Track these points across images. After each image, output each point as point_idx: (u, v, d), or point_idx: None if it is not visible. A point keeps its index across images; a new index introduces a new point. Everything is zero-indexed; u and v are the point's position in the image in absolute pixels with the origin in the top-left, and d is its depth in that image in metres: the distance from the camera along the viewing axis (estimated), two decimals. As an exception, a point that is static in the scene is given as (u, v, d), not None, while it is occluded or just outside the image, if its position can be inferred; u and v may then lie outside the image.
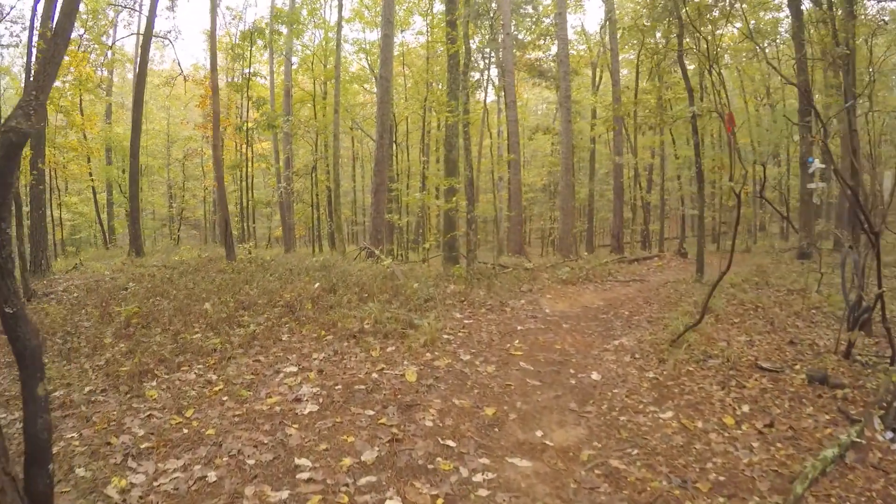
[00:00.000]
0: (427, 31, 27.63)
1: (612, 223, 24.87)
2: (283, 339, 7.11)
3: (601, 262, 15.66)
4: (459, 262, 12.89)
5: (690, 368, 6.11)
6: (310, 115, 26.66)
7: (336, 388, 5.40)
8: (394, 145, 26.59)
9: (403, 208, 26.82)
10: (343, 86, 24.92)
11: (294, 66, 26.17)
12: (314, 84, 27.03)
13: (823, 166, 4.94)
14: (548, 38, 27.33)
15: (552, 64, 27.28)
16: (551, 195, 34.61)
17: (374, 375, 5.70)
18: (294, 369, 5.97)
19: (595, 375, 6.06)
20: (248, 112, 24.80)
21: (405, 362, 6.14)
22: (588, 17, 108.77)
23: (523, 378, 5.90)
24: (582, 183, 30.93)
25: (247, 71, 24.82)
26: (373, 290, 9.36)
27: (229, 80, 29.81)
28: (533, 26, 27.77)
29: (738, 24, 16.23)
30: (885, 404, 4.69)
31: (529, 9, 27.31)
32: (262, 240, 35.26)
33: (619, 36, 22.94)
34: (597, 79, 30.11)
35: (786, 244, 23.38)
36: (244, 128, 24.73)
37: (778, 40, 24.71)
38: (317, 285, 9.37)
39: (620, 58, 25.64)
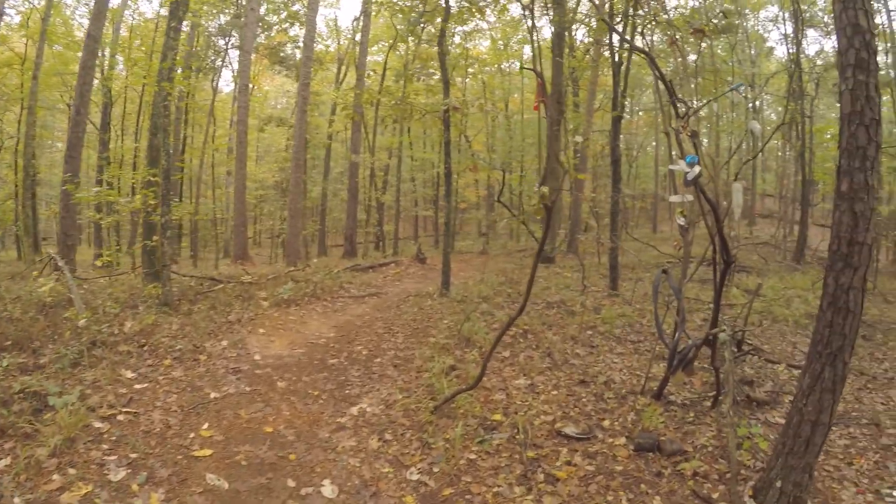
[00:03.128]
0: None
1: (346, 224, 22.83)
2: None
3: (332, 271, 13.32)
4: (162, 276, 9.49)
5: (472, 456, 4.10)
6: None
7: None
8: (109, 127, 21.10)
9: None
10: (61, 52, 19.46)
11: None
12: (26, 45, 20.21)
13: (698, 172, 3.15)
14: (297, 24, 24.31)
15: (297, 51, 24.38)
16: (283, 193, 31.48)
17: None
18: None
19: (328, 489, 3.71)
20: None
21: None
22: (342, 13, 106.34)
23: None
24: (315, 181, 28.51)
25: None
26: (10, 332, 5.91)
27: None
28: (282, 8, 24.44)
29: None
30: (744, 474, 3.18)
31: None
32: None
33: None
34: (341, 75, 27.86)
35: (518, 244, 23.77)
36: None
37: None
38: None
39: (369, 59, 24.13)
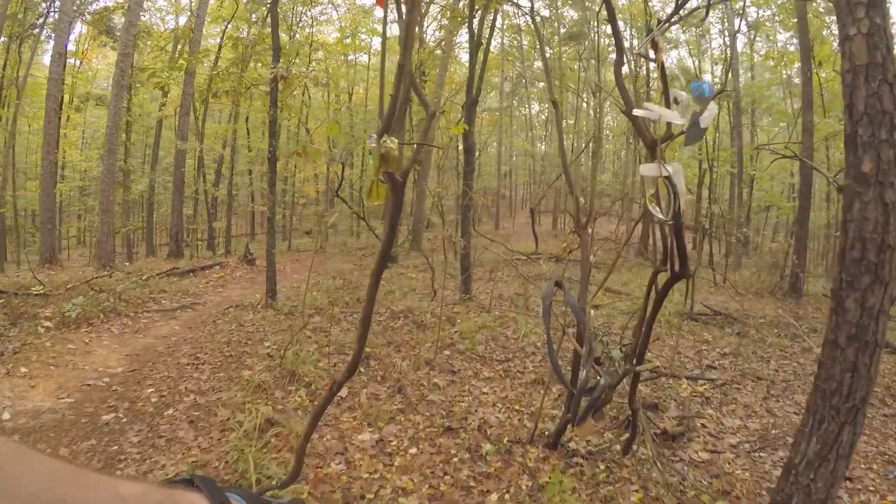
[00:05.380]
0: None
1: (171, 220, 19.61)
2: None
3: (144, 277, 10.72)
4: None
5: None
6: None
7: None
8: None
9: None
10: None
11: None
12: None
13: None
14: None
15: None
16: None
17: None
18: None
19: None
20: None
21: None
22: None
23: None
24: (143, 171, 24.46)
25: None
26: None
27: None
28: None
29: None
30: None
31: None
32: None
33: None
34: (176, 52, 24.03)
35: (358, 241, 22.00)
36: None
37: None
38: None
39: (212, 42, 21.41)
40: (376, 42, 25.46)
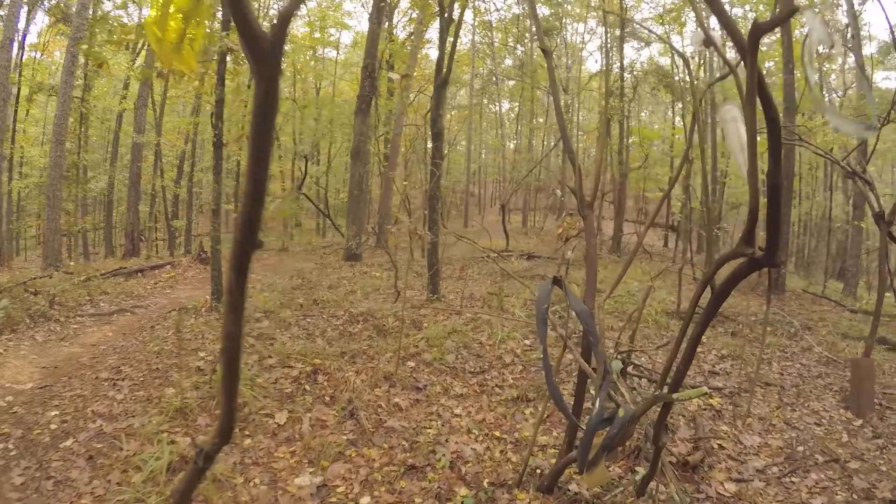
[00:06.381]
0: None
1: (127, 218, 18.36)
2: None
3: (85, 277, 9.59)
4: None
5: None
6: None
7: None
8: None
9: None
10: None
11: None
12: None
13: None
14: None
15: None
16: (74, 181, 24.94)
17: None
18: None
19: None
20: None
21: None
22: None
23: None
24: (104, 169, 22.87)
25: None
26: None
27: None
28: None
29: None
30: None
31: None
32: None
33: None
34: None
35: (323, 240, 20.90)
36: None
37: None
38: None
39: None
40: (346, 37, 24.61)
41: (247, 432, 3.68)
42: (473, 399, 4.28)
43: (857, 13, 14.17)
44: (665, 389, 2.21)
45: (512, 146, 33.82)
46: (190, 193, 21.99)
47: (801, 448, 3.68)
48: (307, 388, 4.25)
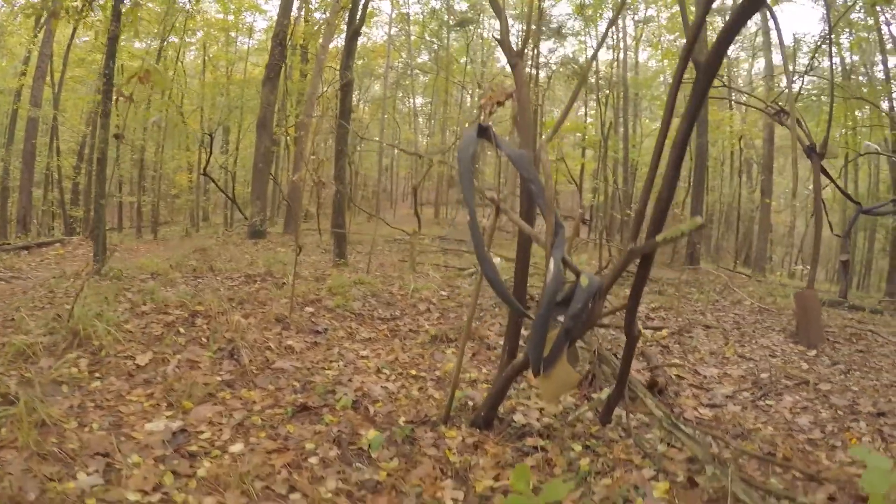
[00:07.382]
0: None
1: (19, 202, 16.38)
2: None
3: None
4: None
5: None
6: None
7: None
8: None
9: None
10: None
11: None
12: None
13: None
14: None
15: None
16: None
17: None
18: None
19: None
20: None
21: None
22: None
23: None
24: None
25: None
26: None
27: None
28: None
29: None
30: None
31: None
32: None
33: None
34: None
35: (232, 229, 19.45)
36: None
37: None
38: None
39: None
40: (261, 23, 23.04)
41: (97, 375, 2.78)
42: (384, 343, 3.54)
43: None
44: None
45: (425, 143, 33.20)
46: (89, 179, 19.66)
47: (764, 375, 3.22)
48: (181, 329, 3.36)
